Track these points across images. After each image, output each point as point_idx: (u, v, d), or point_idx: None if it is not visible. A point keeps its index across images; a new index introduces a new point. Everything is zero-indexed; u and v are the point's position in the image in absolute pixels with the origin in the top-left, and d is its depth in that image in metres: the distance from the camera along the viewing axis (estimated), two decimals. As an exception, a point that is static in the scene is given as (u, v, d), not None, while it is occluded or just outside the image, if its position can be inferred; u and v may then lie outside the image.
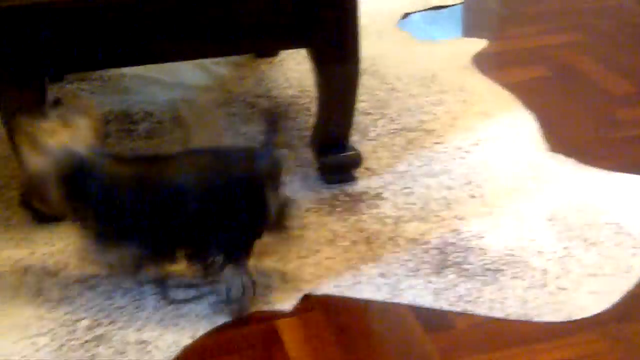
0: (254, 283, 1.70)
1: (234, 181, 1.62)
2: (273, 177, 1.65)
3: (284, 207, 1.73)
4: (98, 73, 2.68)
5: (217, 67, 2.73)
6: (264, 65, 2.75)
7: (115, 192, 1.63)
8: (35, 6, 1.79)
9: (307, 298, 1.76)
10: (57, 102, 1.72)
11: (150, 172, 1.64)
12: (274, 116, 1.70)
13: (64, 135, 1.62)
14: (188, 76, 2.70)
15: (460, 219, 1.98)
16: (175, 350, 1.63)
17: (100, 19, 1.84)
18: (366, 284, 1.79)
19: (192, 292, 1.77)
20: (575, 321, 1.67)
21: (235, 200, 1.62)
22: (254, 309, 1.73)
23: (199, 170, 1.63)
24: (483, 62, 2.79)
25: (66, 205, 1.66)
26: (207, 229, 1.64)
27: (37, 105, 1.88)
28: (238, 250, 1.66)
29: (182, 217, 1.63)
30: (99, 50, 1.88)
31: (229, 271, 1.66)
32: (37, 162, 1.61)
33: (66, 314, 1.72)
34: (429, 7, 3.25)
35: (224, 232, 1.63)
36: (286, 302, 1.75)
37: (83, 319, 1.70)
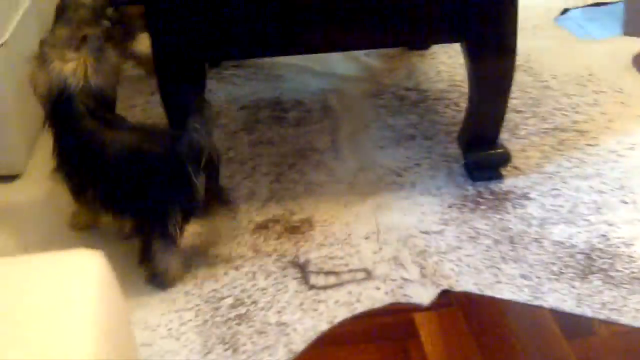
0: (184, 262, 1.81)
1: (155, 157, 1.71)
2: (194, 158, 1.68)
3: (217, 191, 1.82)
4: (252, 60, 2.75)
5: (367, 58, 2.75)
6: (415, 57, 2.74)
7: (72, 139, 1.78)
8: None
9: (445, 294, 1.76)
10: (85, 38, 1.81)
11: (102, 136, 1.74)
12: (203, 106, 1.74)
13: (73, 65, 1.75)
14: (339, 66, 2.73)
15: (610, 224, 1.92)
16: (313, 334, 1.67)
17: (259, 8, 1.90)
18: (507, 284, 1.77)
19: (332, 279, 1.81)
20: None
21: (154, 174, 1.72)
22: (391, 300, 1.74)
23: (130, 144, 1.73)
24: (644, 63, 2.68)
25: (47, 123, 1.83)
26: (133, 199, 1.76)
27: (197, 90, 1.97)
28: (163, 225, 1.73)
29: (114, 183, 1.76)
30: (257, 39, 1.94)
31: (159, 246, 1.75)
32: (39, 76, 1.77)
33: (211, 291, 1.78)
34: (589, 3, 3.15)
35: (148, 205, 1.74)
36: (424, 296, 1.75)
37: (227, 297, 1.77)
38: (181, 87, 1.94)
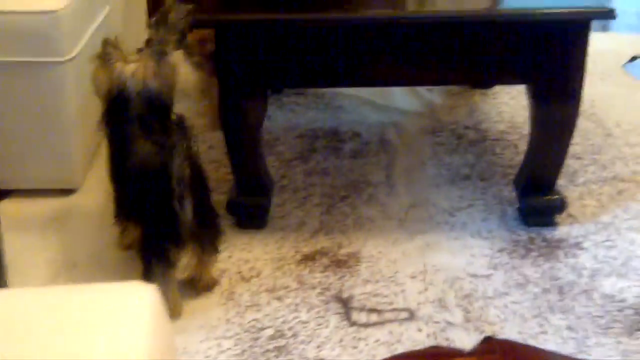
0: (173, 292, 1.78)
1: (151, 174, 1.71)
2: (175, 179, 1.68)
3: (207, 218, 1.80)
4: (313, 90, 2.76)
5: (429, 94, 2.74)
6: (477, 96, 2.72)
7: (120, 143, 1.78)
8: (266, 22, 1.89)
9: (488, 340, 1.73)
10: (149, 42, 1.81)
11: (137, 143, 1.74)
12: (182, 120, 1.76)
13: (134, 67, 1.75)
14: (399, 100, 2.72)
15: (664, 281, 1.88)
16: (358, 373, 1.66)
17: (325, 39, 1.91)
18: (552, 335, 1.73)
19: (374, 317, 1.79)
20: None
21: (151, 192, 1.71)
22: (433, 342, 1.72)
23: (144, 156, 1.73)
24: None
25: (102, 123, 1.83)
26: (141, 214, 1.77)
27: (259, 115, 1.99)
28: (158, 246, 1.73)
29: (131, 194, 1.78)
30: (320, 68, 1.95)
31: (157, 270, 1.74)
32: (101, 75, 1.78)
33: (252, 320, 1.79)
34: (660, 51, 3.09)
35: (148, 224, 1.76)
36: (466, 342, 1.72)
37: (267, 327, 1.77)
38: (242, 109, 1.96)
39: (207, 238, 1.83)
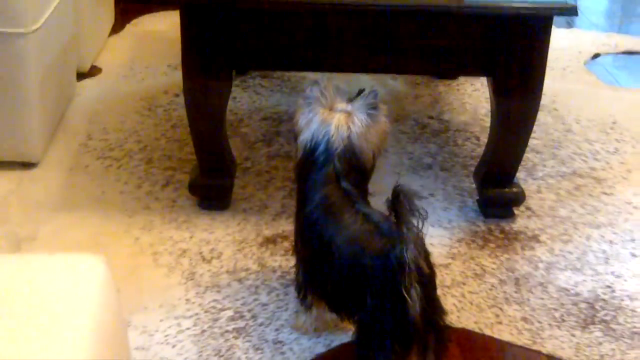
0: None
1: (370, 262, 1.45)
2: (404, 270, 1.39)
3: (434, 318, 1.47)
4: (280, 73, 2.76)
5: (394, 82, 2.75)
6: (441, 87, 2.74)
7: (314, 205, 1.56)
8: (232, 2, 1.88)
9: (444, 329, 1.75)
10: (361, 92, 1.65)
11: (341, 215, 1.52)
12: (414, 207, 1.38)
13: (340, 118, 1.58)
14: (364, 87, 2.72)
15: (617, 276, 1.92)
16: (309, 355, 1.67)
17: (293, 23, 1.91)
18: (507, 325, 1.76)
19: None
20: None
21: (368, 282, 1.44)
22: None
23: (356, 237, 1.49)
24: (669, 116, 2.67)
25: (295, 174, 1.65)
26: (355, 305, 1.50)
27: (223, 96, 1.98)
28: (380, 348, 1.44)
29: (338, 280, 1.51)
30: (288, 52, 1.95)
31: None
32: (302, 122, 1.61)
33: (212, 301, 1.79)
34: (621, 50, 3.14)
35: (367, 320, 1.48)
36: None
37: (227, 309, 1.77)
38: (206, 89, 1.95)
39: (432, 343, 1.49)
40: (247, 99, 2.62)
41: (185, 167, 2.22)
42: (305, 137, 1.61)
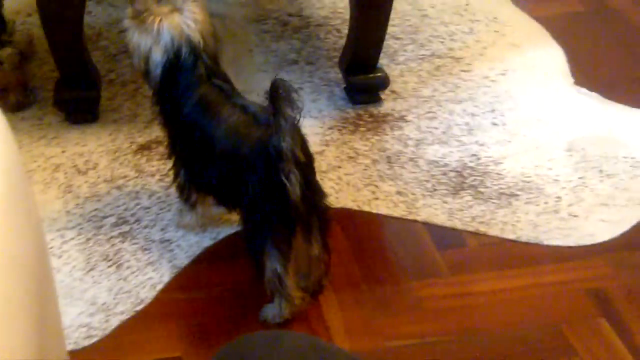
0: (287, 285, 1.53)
1: (247, 151, 1.52)
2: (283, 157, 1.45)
3: (314, 202, 1.54)
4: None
5: (251, -16, 2.75)
6: (298, -16, 2.76)
7: (190, 111, 1.59)
8: None
9: (326, 210, 1.82)
10: None
11: (219, 110, 1.57)
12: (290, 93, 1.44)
13: (176, 19, 1.58)
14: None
15: (481, 144, 2.02)
16: (197, 250, 1.70)
17: None
18: (383, 200, 1.85)
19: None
20: (583, 246, 1.72)
21: (247, 171, 1.52)
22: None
23: (235, 127, 1.55)
24: (518, -6, 2.78)
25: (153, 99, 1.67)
26: (237, 195, 1.57)
27: (78, 8, 1.93)
28: (265, 236, 1.51)
29: (219, 172, 1.58)
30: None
31: (270, 264, 1.51)
32: (140, 39, 1.60)
33: (93, 210, 1.79)
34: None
35: (249, 208, 1.55)
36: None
37: (110, 216, 1.78)
38: (61, 4, 1.91)
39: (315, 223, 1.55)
40: (102, 12, 2.55)
41: (48, 86, 2.17)
42: (162, 46, 1.58)
